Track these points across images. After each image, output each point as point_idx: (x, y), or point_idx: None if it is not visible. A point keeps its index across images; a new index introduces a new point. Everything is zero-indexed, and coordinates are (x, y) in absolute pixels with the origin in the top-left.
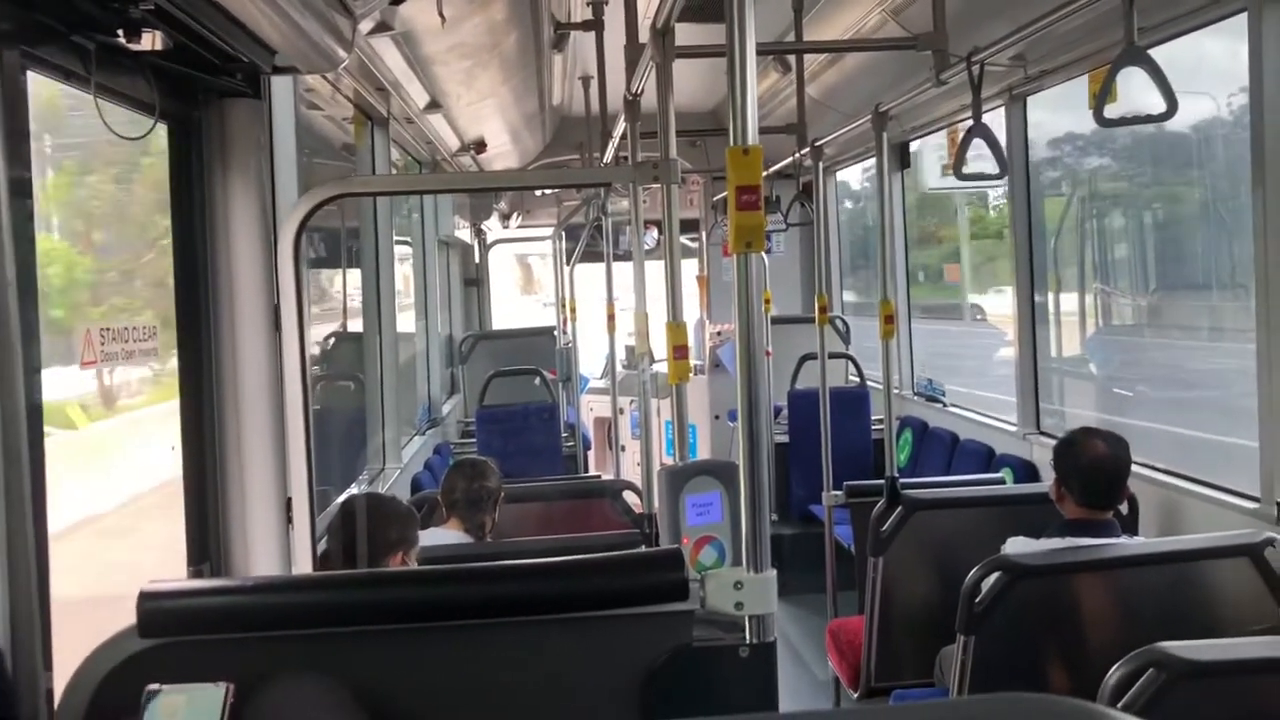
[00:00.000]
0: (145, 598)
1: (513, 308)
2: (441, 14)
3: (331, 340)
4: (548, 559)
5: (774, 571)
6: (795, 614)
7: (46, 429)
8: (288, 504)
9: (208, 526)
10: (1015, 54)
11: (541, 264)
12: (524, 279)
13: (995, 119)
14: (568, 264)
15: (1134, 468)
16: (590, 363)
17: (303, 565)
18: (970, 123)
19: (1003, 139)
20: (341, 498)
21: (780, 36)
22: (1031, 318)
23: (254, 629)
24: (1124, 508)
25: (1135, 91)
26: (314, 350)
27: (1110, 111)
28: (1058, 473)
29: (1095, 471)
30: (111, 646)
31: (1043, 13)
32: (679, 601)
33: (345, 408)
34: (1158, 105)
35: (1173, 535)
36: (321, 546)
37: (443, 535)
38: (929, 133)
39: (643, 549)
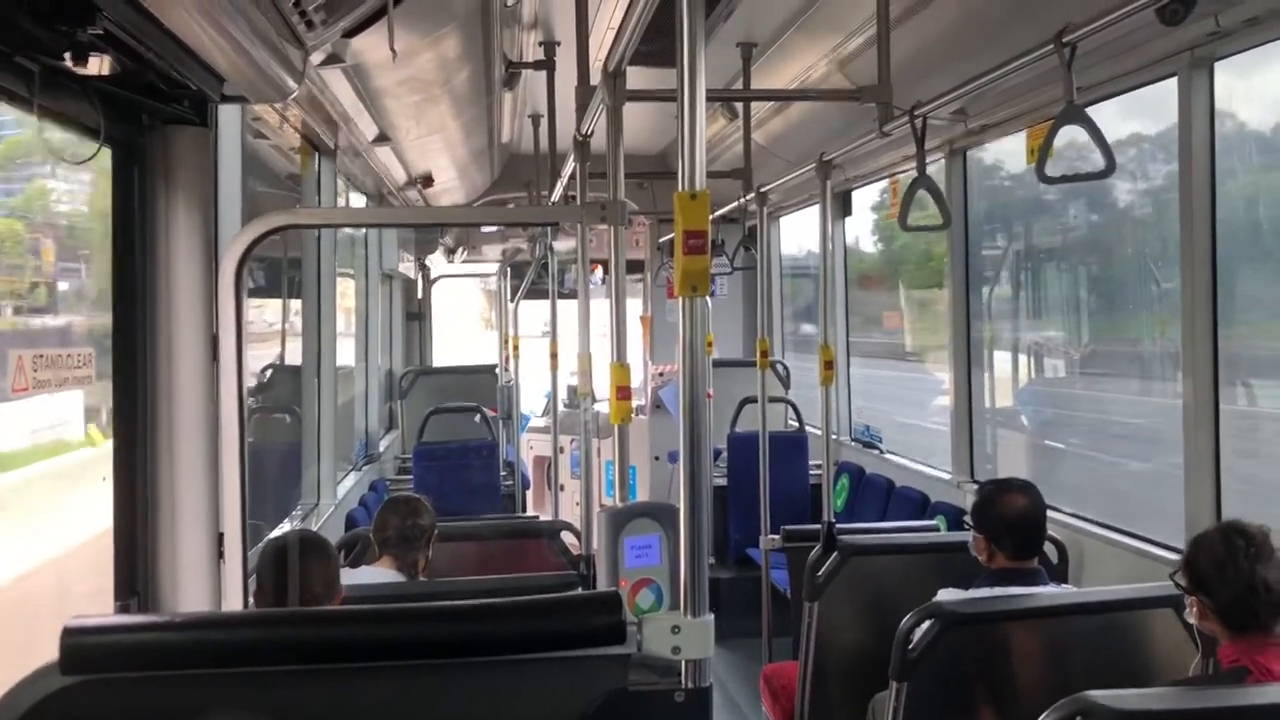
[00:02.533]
0: (69, 633)
1: (470, 343)
2: (393, 48)
3: (269, 372)
4: (483, 600)
5: (712, 616)
6: (730, 658)
7: None
8: (219, 539)
9: (136, 560)
10: (956, 109)
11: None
12: (488, 310)
13: (934, 171)
14: (512, 301)
15: (1065, 518)
16: (531, 401)
17: (233, 602)
18: (912, 174)
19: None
20: (274, 533)
21: (729, 83)
22: (967, 369)
23: (182, 666)
24: (1054, 557)
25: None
26: (250, 382)
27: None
28: (984, 532)
29: (1021, 525)
30: (32, 683)
31: (983, 70)
32: (616, 645)
33: (280, 441)
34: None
35: (1100, 585)
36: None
37: (375, 574)
38: (871, 182)
39: (580, 591)
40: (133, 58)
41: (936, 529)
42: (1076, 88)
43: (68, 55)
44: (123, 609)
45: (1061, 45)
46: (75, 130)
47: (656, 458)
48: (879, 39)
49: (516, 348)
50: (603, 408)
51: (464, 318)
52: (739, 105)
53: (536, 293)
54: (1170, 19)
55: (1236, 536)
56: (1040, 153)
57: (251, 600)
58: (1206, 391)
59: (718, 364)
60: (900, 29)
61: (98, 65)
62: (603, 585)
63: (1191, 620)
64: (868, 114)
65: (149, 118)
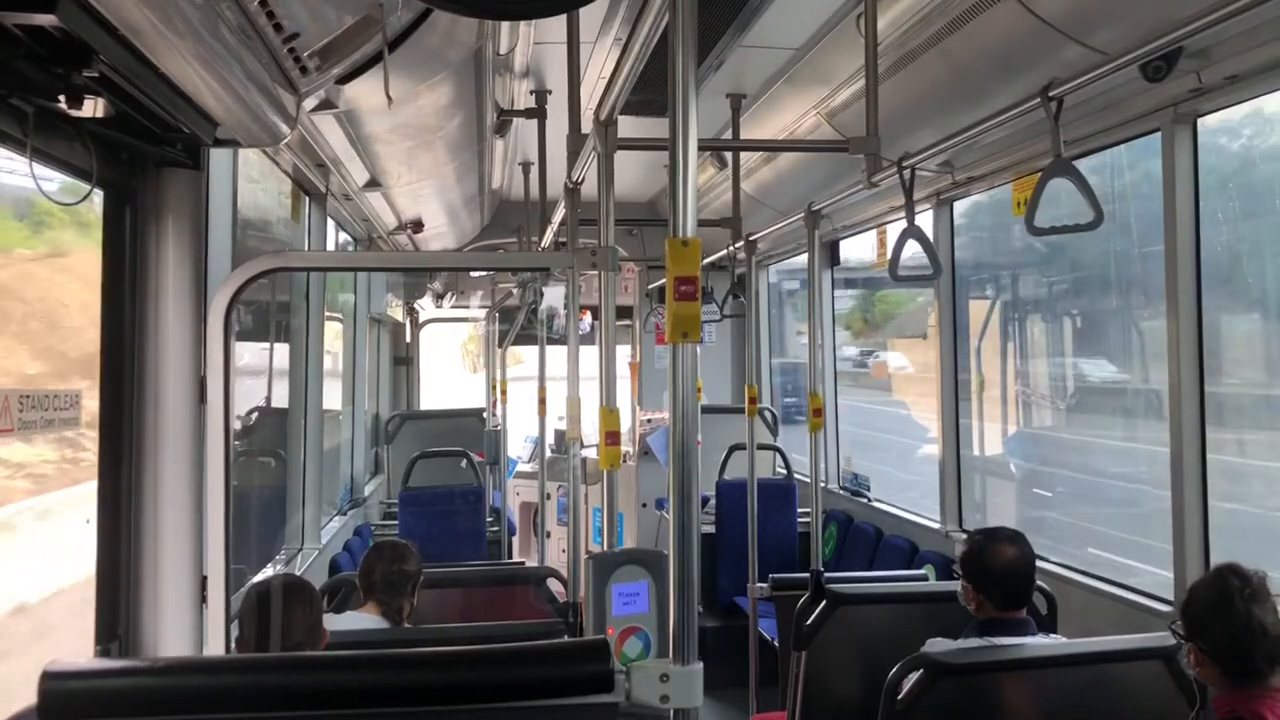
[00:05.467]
0: (48, 678)
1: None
2: (389, 94)
3: (254, 415)
4: (469, 646)
5: (700, 664)
6: (717, 708)
7: None
8: (203, 582)
9: (118, 604)
10: (943, 160)
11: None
12: (470, 347)
13: (922, 222)
14: (500, 346)
15: (1054, 568)
16: (518, 446)
17: (215, 646)
18: (899, 224)
19: None
20: (257, 577)
21: (718, 133)
22: (955, 417)
23: (163, 712)
24: (1043, 607)
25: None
26: (236, 425)
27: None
28: (971, 582)
29: (1010, 576)
30: None
31: (970, 123)
32: (604, 693)
33: (265, 484)
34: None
35: (1090, 636)
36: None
37: (360, 620)
38: (859, 232)
39: (567, 639)
40: (127, 101)
41: (925, 578)
42: (1063, 141)
43: (63, 98)
44: (103, 654)
45: (1048, 100)
46: (68, 172)
47: (644, 505)
48: (867, 92)
49: (504, 392)
50: (591, 453)
51: (444, 360)
52: (728, 155)
53: (525, 338)
54: (1153, 75)
55: (1232, 577)
56: (1029, 205)
57: (234, 645)
58: (1194, 439)
59: (706, 410)
60: (888, 82)
61: (92, 108)
62: (590, 633)
63: (1189, 670)
64: (856, 165)
65: (141, 160)
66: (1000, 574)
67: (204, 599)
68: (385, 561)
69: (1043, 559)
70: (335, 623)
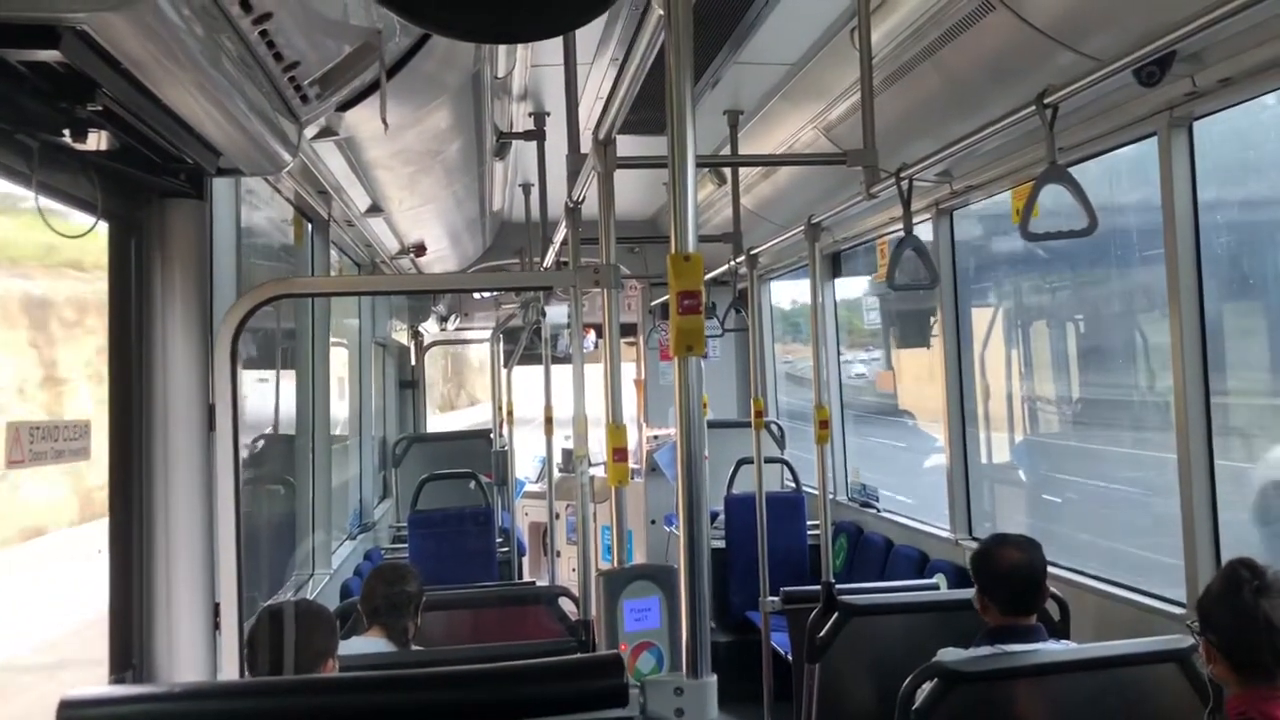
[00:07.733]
0: (66, 706)
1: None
2: (385, 120)
3: (262, 441)
4: (483, 665)
5: (714, 677)
6: None
7: None
8: (215, 609)
9: (131, 632)
10: (941, 170)
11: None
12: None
13: (922, 232)
14: (505, 366)
15: (1066, 574)
16: (525, 466)
17: (229, 672)
18: (900, 234)
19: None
20: (268, 603)
21: (716, 149)
22: (962, 426)
23: None
24: (1055, 613)
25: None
26: (244, 452)
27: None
28: (979, 585)
29: (1014, 580)
30: None
31: (966, 133)
32: (618, 708)
33: (275, 510)
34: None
35: (1103, 640)
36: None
37: (366, 644)
38: (860, 244)
39: (579, 655)
40: (130, 133)
41: (936, 587)
42: (1059, 148)
43: (67, 132)
44: (118, 681)
45: (1043, 107)
46: (73, 204)
47: (653, 522)
48: (863, 104)
49: (510, 413)
50: (599, 471)
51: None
52: (727, 170)
53: (530, 357)
54: (1147, 80)
55: (1242, 569)
56: (1024, 212)
57: (246, 670)
58: (1201, 444)
59: (713, 425)
60: (884, 94)
61: (96, 141)
62: (603, 649)
63: (1204, 668)
64: (854, 177)
65: (145, 191)
66: (1004, 578)
67: (217, 625)
68: (385, 584)
69: (1054, 565)
70: (342, 648)
